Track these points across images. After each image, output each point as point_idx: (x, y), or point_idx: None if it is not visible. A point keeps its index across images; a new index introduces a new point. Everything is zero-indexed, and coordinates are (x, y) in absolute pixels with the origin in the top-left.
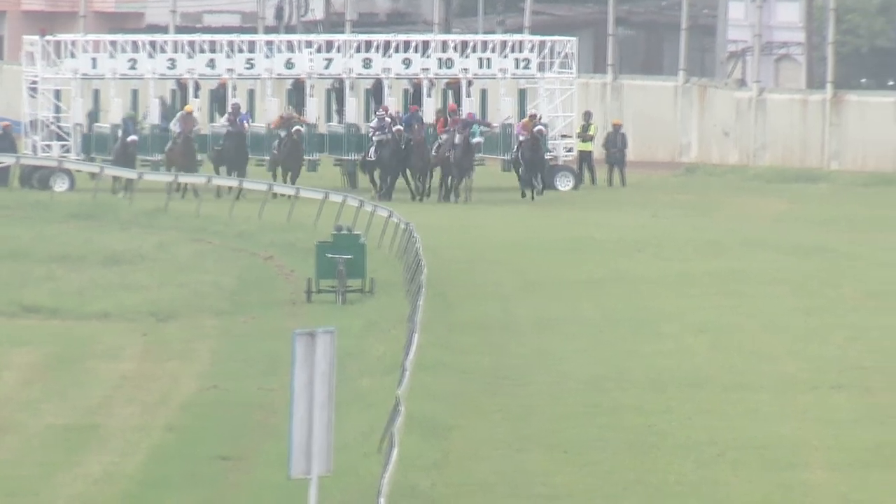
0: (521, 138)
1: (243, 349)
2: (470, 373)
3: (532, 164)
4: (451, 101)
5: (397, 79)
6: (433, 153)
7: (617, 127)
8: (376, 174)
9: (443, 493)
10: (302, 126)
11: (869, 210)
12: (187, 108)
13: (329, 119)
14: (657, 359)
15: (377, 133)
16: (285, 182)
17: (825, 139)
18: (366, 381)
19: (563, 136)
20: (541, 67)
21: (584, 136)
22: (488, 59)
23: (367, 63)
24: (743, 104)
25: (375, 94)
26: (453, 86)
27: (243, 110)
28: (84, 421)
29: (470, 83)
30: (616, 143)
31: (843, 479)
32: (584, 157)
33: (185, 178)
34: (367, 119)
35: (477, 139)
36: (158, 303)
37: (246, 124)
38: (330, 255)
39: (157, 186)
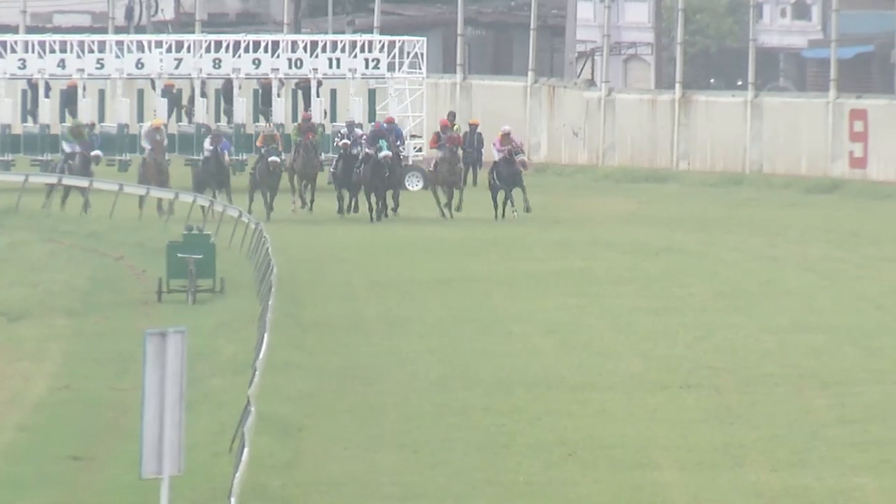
0: (497, 156)
1: (95, 349)
2: (320, 373)
3: (510, 179)
4: (301, 101)
5: (247, 79)
6: (431, 168)
7: (474, 126)
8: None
9: (293, 492)
10: (280, 155)
11: (717, 210)
12: (155, 121)
13: (179, 119)
14: (506, 359)
15: (354, 147)
16: (264, 205)
17: (674, 139)
18: (217, 381)
19: (413, 137)
20: (390, 67)
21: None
22: (338, 60)
23: (216, 63)
24: (592, 104)
25: (225, 94)
26: (303, 86)
27: (152, 125)
28: None
29: (319, 83)
30: (473, 142)
31: (692, 478)
32: None
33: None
34: (217, 119)
35: (384, 153)
36: (9, 302)
37: (227, 154)
38: (181, 255)
39: (7, 186)
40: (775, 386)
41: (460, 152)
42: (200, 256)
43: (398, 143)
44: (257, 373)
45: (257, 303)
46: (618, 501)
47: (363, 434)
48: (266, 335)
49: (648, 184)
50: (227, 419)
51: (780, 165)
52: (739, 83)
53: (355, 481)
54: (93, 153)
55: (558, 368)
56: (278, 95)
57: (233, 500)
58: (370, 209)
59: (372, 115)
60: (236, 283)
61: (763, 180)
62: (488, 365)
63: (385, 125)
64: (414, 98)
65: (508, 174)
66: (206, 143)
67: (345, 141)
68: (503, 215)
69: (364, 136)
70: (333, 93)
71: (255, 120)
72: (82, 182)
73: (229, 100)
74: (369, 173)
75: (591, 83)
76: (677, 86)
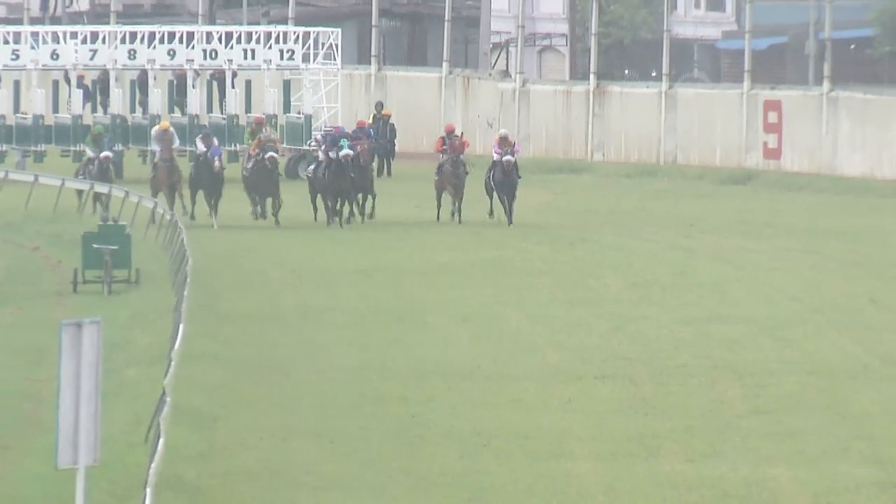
0: (495, 157)
1: (10, 340)
2: (236, 363)
3: (504, 187)
4: (216, 92)
5: (162, 70)
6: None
7: (387, 117)
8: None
9: (209, 483)
10: (277, 152)
11: (631, 201)
12: (163, 124)
13: (94, 110)
14: (421, 349)
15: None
16: (263, 205)
17: (589, 130)
18: (132, 372)
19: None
20: (305, 59)
21: (374, 126)
22: (253, 51)
23: (132, 54)
24: (507, 95)
25: (141, 85)
26: (218, 77)
27: (160, 127)
28: None
29: (234, 74)
30: (385, 133)
31: (607, 469)
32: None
33: None
34: (132, 110)
35: (345, 152)
36: None
37: (217, 160)
38: (96, 246)
39: None
40: (690, 377)
41: (463, 158)
42: (116, 247)
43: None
44: (173, 363)
45: (173, 293)
46: (532, 492)
47: (278, 424)
48: (181, 326)
49: (563, 175)
50: (142, 410)
51: (694, 156)
52: (654, 74)
53: (270, 471)
54: (101, 155)
55: (474, 358)
56: (193, 86)
57: (148, 490)
58: (331, 214)
59: (287, 107)
60: (152, 274)
61: (677, 171)
62: (404, 355)
63: (351, 130)
64: (329, 89)
65: (503, 182)
66: (198, 143)
67: (322, 149)
68: (493, 214)
69: (315, 141)
70: (248, 84)
71: (171, 111)
72: (103, 188)
73: (144, 91)
74: (333, 176)
75: (505, 74)
76: (592, 77)
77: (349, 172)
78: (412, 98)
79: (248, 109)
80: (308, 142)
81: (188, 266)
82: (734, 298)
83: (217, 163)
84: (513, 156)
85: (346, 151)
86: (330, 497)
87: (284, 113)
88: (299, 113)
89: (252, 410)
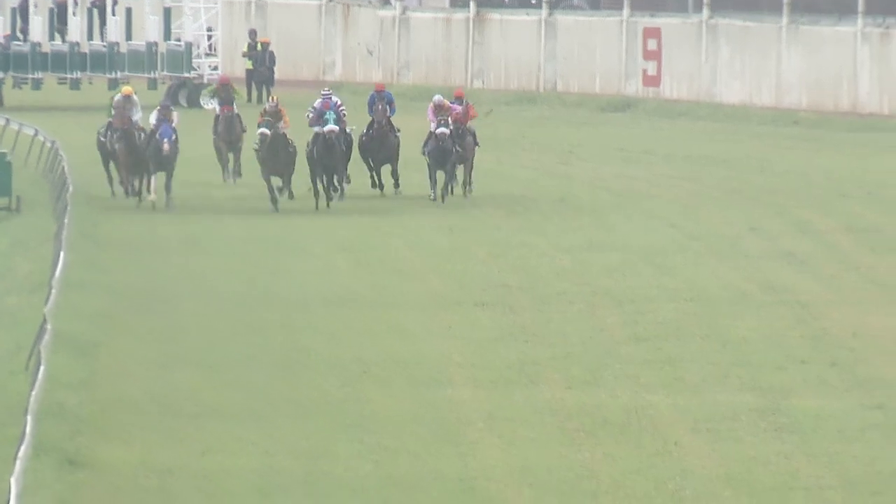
0: (432, 126)
1: None
2: (117, 291)
3: (439, 158)
4: (96, 20)
5: None
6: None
7: (265, 45)
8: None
9: (90, 410)
10: (285, 128)
11: (511, 128)
12: (125, 89)
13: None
14: (303, 277)
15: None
16: (280, 185)
17: (468, 57)
18: (12, 300)
19: (208, 55)
20: None
21: (251, 54)
22: None
23: None
24: (387, 23)
25: (22, 12)
26: (98, 4)
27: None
28: None
29: (115, 2)
30: (265, 60)
31: (487, 396)
32: (252, 75)
33: None
34: (14, 38)
35: (329, 127)
36: None
37: (166, 143)
38: None
39: None
40: (569, 304)
41: (472, 127)
42: None
43: (389, 111)
44: (53, 291)
45: (53, 221)
46: (413, 418)
47: (160, 353)
48: (62, 253)
49: None
50: (22, 338)
51: (574, 84)
52: (533, 1)
53: (153, 399)
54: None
55: (355, 286)
56: (74, 14)
57: (29, 418)
58: (316, 194)
59: (167, 34)
60: (33, 202)
61: (557, 99)
62: (285, 283)
63: (374, 93)
64: (209, 17)
65: (437, 154)
66: (152, 117)
67: (330, 127)
68: (439, 198)
69: (310, 113)
70: (129, 11)
71: (51, 38)
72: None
73: (25, 18)
74: (320, 152)
75: (385, 2)
76: (472, 4)
77: (337, 148)
78: (292, 25)
79: (128, 37)
80: (306, 113)
81: (69, 193)
82: (613, 225)
83: (166, 145)
84: (447, 127)
85: (330, 127)
86: (212, 425)
87: (165, 41)
88: (179, 40)
89: (134, 338)
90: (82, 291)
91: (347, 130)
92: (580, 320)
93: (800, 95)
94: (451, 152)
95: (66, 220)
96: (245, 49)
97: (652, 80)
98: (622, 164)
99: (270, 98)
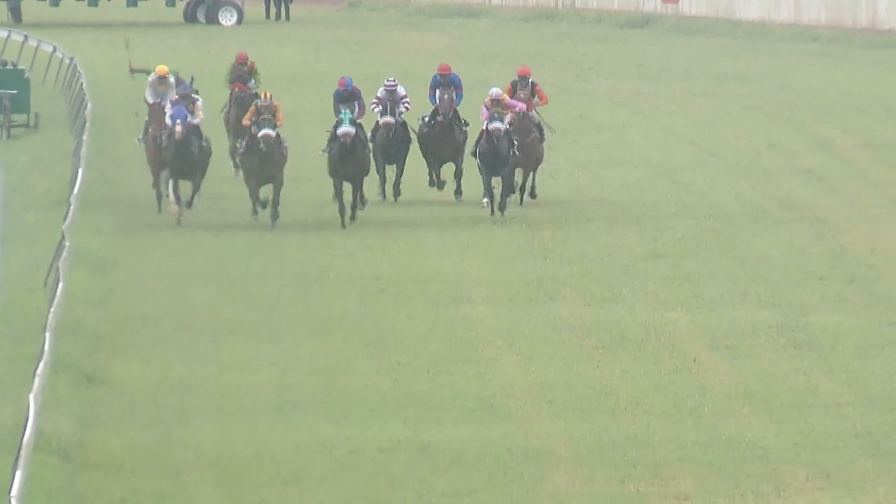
0: (483, 123)
1: None
2: (134, 208)
3: (489, 161)
4: None
5: None
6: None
7: None
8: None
9: (108, 327)
10: (275, 127)
11: (529, 45)
12: (160, 69)
13: None
14: (319, 194)
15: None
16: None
17: None
18: (31, 217)
19: None
20: None
21: None
22: None
23: None
24: None
25: None
26: None
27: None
28: None
29: None
30: None
31: (505, 312)
32: None
33: None
34: None
35: (344, 129)
36: None
37: (179, 126)
38: None
39: None
40: (588, 221)
41: (535, 116)
42: (14, 92)
43: (455, 99)
44: (72, 208)
45: (71, 138)
46: (431, 335)
47: (177, 269)
48: (80, 170)
49: (461, 18)
50: (41, 254)
51: (592, 0)
52: None
53: (169, 315)
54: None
55: (372, 207)
56: None
57: (47, 334)
58: (340, 210)
59: None
60: (51, 119)
61: (575, 15)
62: (301, 200)
63: (437, 75)
64: None
65: (490, 157)
66: (168, 107)
67: (387, 118)
68: (492, 211)
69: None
70: None
71: None
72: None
73: None
74: (337, 157)
75: None
76: None
77: (356, 153)
78: None
79: None
80: (370, 106)
81: (87, 111)
82: (631, 142)
83: (178, 127)
84: (502, 122)
85: (344, 129)
86: (229, 341)
87: None
88: None
89: (151, 255)
90: (100, 209)
91: (408, 120)
92: (599, 237)
93: (819, 12)
94: (508, 155)
95: (84, 138)
96: None
97: None
98: (640, 81)
99: (264, 94)
